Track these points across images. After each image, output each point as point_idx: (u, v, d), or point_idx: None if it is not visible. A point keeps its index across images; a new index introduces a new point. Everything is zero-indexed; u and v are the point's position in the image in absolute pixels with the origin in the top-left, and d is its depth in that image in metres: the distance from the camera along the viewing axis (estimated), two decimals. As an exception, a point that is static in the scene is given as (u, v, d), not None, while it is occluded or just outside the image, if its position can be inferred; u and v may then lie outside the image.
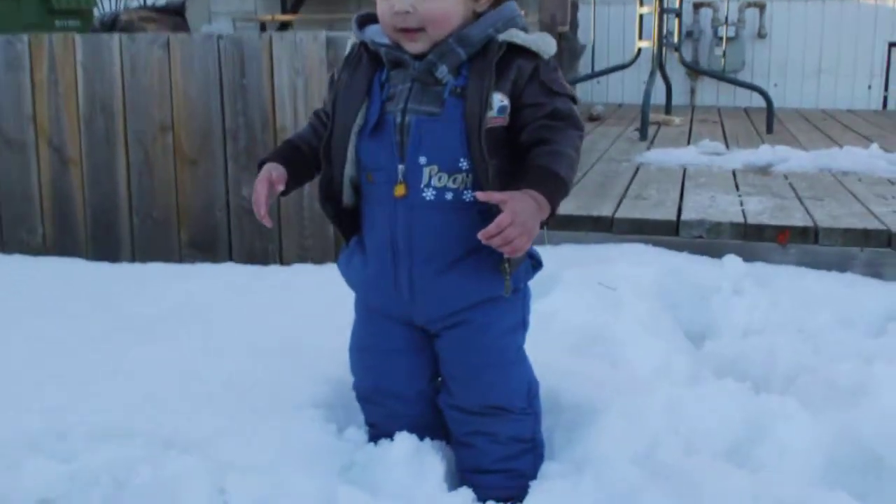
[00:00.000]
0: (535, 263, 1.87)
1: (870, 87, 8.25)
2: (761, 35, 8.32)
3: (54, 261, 3.51)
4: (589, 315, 2.66)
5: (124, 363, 2.23)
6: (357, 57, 1.82)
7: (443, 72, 1.71)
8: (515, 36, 1.72)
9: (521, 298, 1.86)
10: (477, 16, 1.75)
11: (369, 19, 1.84)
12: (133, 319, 2.59)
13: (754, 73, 8.33)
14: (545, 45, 1.75)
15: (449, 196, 1.73)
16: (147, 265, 3.38)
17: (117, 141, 3.65)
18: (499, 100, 1.70)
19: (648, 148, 5.33)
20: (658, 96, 6.38)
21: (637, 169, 4.55)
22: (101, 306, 2.75)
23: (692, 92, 8.47)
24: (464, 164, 1.71)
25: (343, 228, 1.89)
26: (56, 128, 3.71)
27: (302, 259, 3.44)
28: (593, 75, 6.55)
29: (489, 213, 1.63)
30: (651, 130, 5.92)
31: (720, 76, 6.83)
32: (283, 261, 3.49)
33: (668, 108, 6.96)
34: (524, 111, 1.71)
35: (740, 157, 4.78)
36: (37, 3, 6.48)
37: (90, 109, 3.66)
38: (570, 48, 7.57)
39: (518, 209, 1.58)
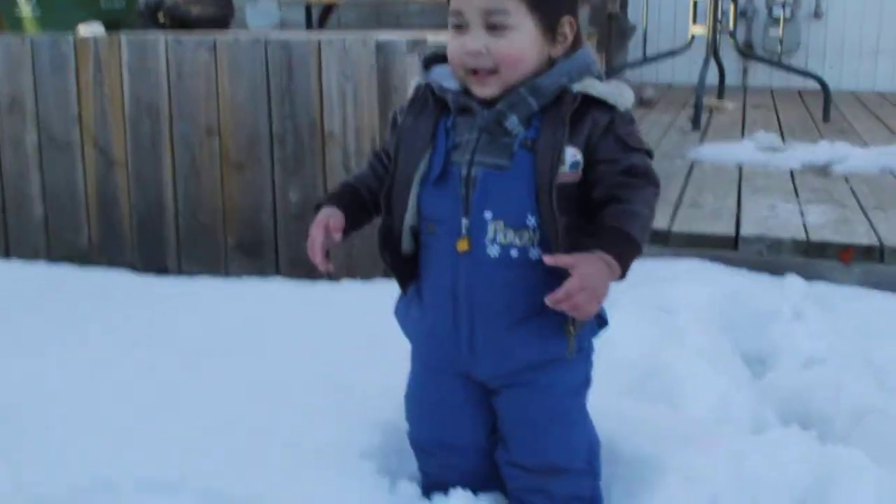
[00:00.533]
0: (601, 321, 1.80)
1: (929, 68, 8.00)
2: (817, 15, 8.09)
3: (101, 272, 3.47)
4: (646, 345, 2.58)
5: (172, 400, 2.19)
6: (422, 100, 1.74)
7: (513, 122, 1.64)
8: (591, 87, 1.64)
9: (584, 357, 1.80)
10: (551, 61, 1.67)
11: (436, 59, 1.76)
12: (181, 345, 2.54)
13: (809, 54, 8.11)
14: (622, 97, 1.66)
15: (514, 253, 1.66)
16: (195, 279, 3.34)
17: (163, 144, 3.61)
18: (572, 154, 1.62)
19: (702, 140, 5.21)
20: (710, 78, 6.21)
21: (691, 167, 4.44)
22: (149, 329, 2.71)
23: (744, 72, 8.27)
24: (531, 220, 1.63)
25: (401, 277, 1.82)
26: (102, 129, 3.68)
27: (349, 267, 3.37)
28: (646, 60, 6.39)
29: (556, 271, 1.56)
30: (703, 117, 5.79)
31: (775, 63, 6.64)
32: (329, 269, 3.44)
33: (720, 93, 6.79)
34: (599, 167, 1.63)
35: (798, 155, 4.64)
36: (81, -18, 6.45)
37: (136, 111, 3.62)
38: (619, 28, 7.42)
39: (587, 273, 1.51)
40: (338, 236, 1.75)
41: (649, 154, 1.70)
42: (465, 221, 1.66)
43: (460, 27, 1.62)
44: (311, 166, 3.44)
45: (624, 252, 1.57)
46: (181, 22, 6.33)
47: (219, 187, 3.56)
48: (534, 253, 1.65)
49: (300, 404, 2.15)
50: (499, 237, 1.65)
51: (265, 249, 3.55)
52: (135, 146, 3.64)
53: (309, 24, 6.90)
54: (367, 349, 2.45)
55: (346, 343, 2.55)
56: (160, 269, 3.63)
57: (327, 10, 7.14)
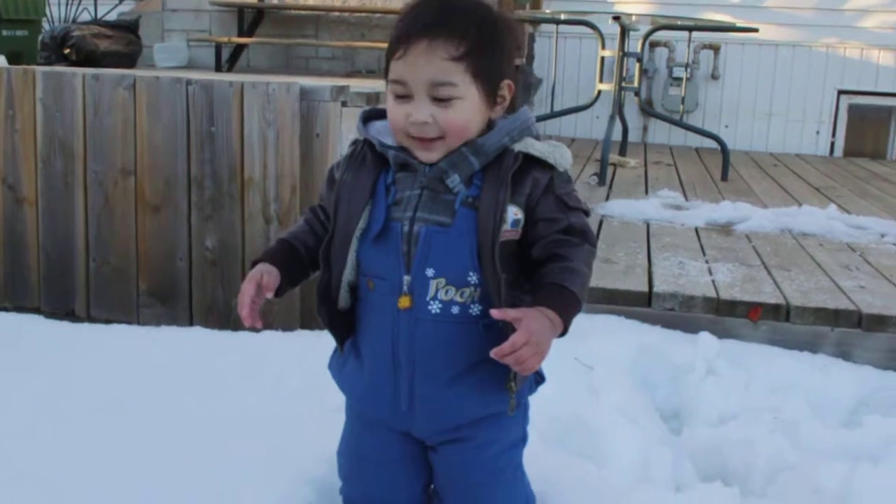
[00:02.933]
0: (539, 378, 1.81)
1: (818, 132, 8.39)
2: (714, 77, 8.41)
3: (8, 318, 3.33)
4: (567, 399, 2.61)
5: (91, 456, 2.11)
6: (361, 155, 1.73)
7: (454, 181, 1.64)
8: (531, 146, 1.66)
9: (522, 413, 1.81)
10: (490, 122, 1.69)
11: (375, 115, 1.76)
12: (98, 398, 2.46)
13: (706, 113, 8.42)
14: (561, 157, 1.68)
15: (455, 310, 1.66)
16: (111, 328, 3.23)
17: (76, 183, 3.52)
18: (513, 213, 1.63)
19: (608, 196, 5.33)
20: (613, 134, 6.38)
21: (601, 223, 4.54)
22: (64, 380, 2.61)
23: (644, 129, 8.53)
24: (473, 277, 1.64)
25: (337, 333, 1.80)
26: (11, 165, 3.57)
27: (265, 315, 3.32)
28: (553, 115, 6.53)
29: (495, 326, 1.57)
30: (607, 173, 5.92)
31: (679, 123, 6.86)
32: (245, 315, 3.38)
33: (623, 150, 6.98)
34: (538, 225, 1.65)
35: (701, 213, 4.80)
36: (-15, 12, 6.28)
37: (48, 149, 3.53)
38: (525, 82, 7.58)
39: (533, 329, 1.52)
40: (269, 294, 1.72)
41: (586, 213, 1.73)
42: (406, 278, 1.65)
43: (404, 96, 1.62)
44: (230, 212, 3.40)
45: (566, 308, 1.59)
46: (87, 56, 6.21)
47: (133, 230, 3.49)
48: (475, 309, 1.66)
49: (227, 460, 2.10)
50: (440, 294, 1.65)
51: (179, 296, 3.47)
52: (46, 185, 3.54)
53: (218, 65, 6.85)
54: (292, 402, 2.42)
55: (270, 396, 2.51)
56: (68, 313, 3.52)
57: (237, 52, 7.10)
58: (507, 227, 1.62)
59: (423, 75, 1.58)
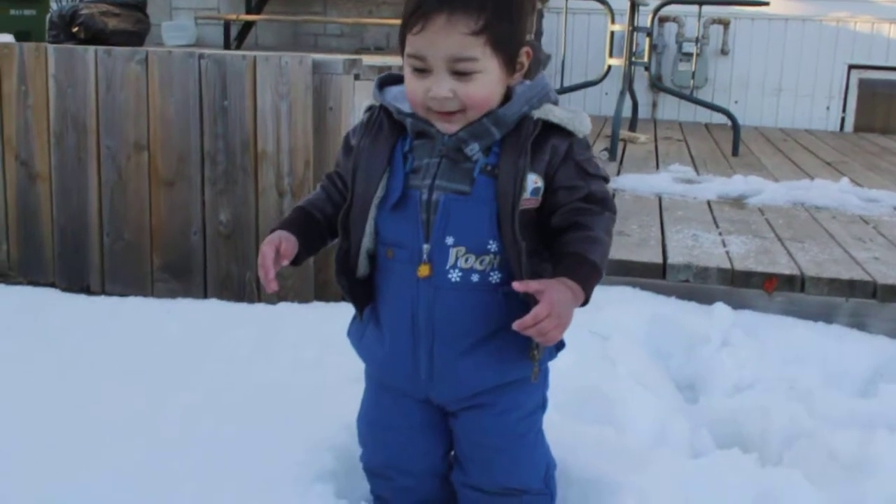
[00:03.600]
0: (559, 345, 1.81)
1: (828, 107, 8.35)
2: (724, 52, 8.37)
3: (25, 291, 3.35)
4: (583, 370, 2.62)
5: (117, 423, 2.13)
6: (377, 122, 1.72)
7: (473, 149, 1.62)
8: (550, 113, 1.64)
9: (542, 379, 1.81)
10: (508, 90, 1.68)
11: (390, 80, 1.75)
12: (122, 366, 2.47)
13: (716, 89, 8.38)
14: (580, 123, 1.66)
15: (475, 278, 1.65)
16: (126, 300, 3.24)
17: (89, 158, 3.52)
18: (533, 181, 1.61)
19: (619, 171, 5.31)
20: (623, 110, 6.37)
21: (613, 196, 4.51)
22: (88, 349, 2.62)
23: (654, 105, 8.50)
24: (493, 245, 1.63)
25: (356, 301, 1.79)
26: (24, 142, 3.57)
27: (283, 289, 3.34)
28: (563, 91, 6.50)
29: (515, 294, 1.57)
30: (618, 148, 5.91)
31: (690, 98, 6.84)
32: (259, 290, 3.39)
33: (633, 125, 6.96)
34: (558, 193, 1.64)
35: (713, 187, 4.79)
36: (-9, -10, 6.29)
37: (61, 124, 3.53)
38: (535, 58, 7.54)
39: (555, 300, 1.51)
40: (286, 262, 1.72)
41: (606, 180, 1.72)
42: (426, 247, 1.64)
43: (423, 70, 1.59)
44: (243, 186, 3.40)
45: (588, 278, 1.59)
46: (95, 35, 6.20)
47: (146, 205, 3.49)
48: (494, 277, 1.65)
49: (248, 428, 2.11)
50: (460, 262, 1.64)
51: (193, 270, 3.48)
52: (59, 160, 3.54)
53: (227, 43, 6.83)
54: (310, 371, 2.43)
55: (288, 365, 2.52)
56: (82, 288, 3.53)
57: (245, 29, 7.09)
58: (526, 195, 1.60)
59: (442, 51, 1.55)
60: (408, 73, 1.62)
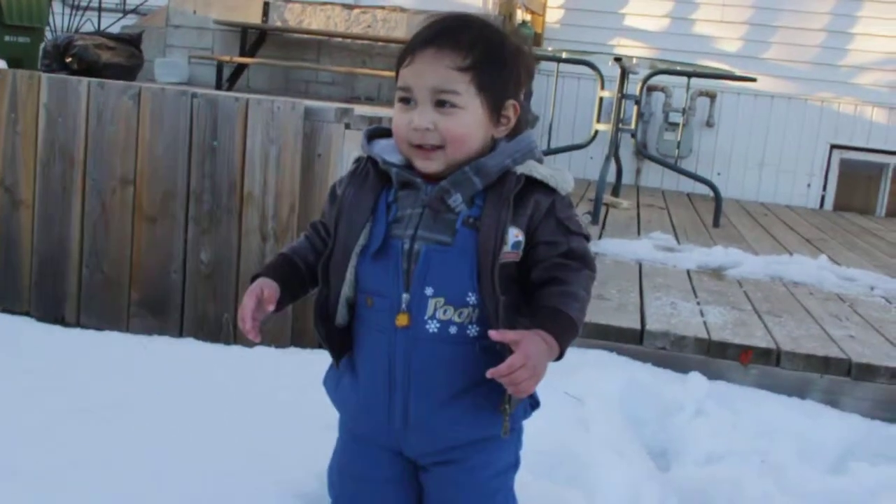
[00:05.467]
0: (534, 403, 1.81)
1: (809, 185, 8.45)
2: (709, 124, 8.48)
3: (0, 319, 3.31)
4: (556, 431, 2.61)
5: (83, 461, 2.09)
6: (364, 173, 1.73)
7: (456, 200, 1.63)
8: (534, 169, 1.66)
9: (515, 438, 1.80)
10: (493, 142, 1.70)
11: (379, 133, 1.77)
12: (92, 403, 2.44)
13: (699, 160, 8.47)
14: (563, 180, 1.68)
15: (453, 330, 1.65)
16: (104, 334, 3.21)
17: (74, 189, 3.51)
18: (514, 235, 1.62)
19: (601, 235, 5.35)
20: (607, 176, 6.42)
21: (593, 255, 4.54)
22: (58, 384, 2.59)
23: (638, 172, 8.59)
24: (472, 298, 1.63)
25: (333, 349, 1.78)
26: (10, 168, 3.56)
27: (261, 332, 3.32)
28: (549, 152, 6.55)
29: (493, 348, 1.57)
30: (600, 212, 5.95)
31: (676, 168, 6.91)
32: (236, 331, 3.37)
33: (616, 191, 7.02)
34: (539, 248, 1.65)
35: (693, 257, 4.82)
36: (-12, 16, 6.29)
37: (48, 153, 3.53)
38: (522, 116, 7.61)
39: (530, 351, 1.51)
40: (270, 307, 1.71)
41: (587, 238, 1.73)
42: (405, 296, 1.64)
43: (407, 102, 1.63)
44: (227, 226, 3.40)
45: (564, 332, 1.59)
46: (89, 67, 6.20)
47: (128, 239, 3.48)
48: (472, 330, 1.65)
49: (219, 473, 2.08)
50: (438, 313, 1.64)
51: (170, 308, 3.46)
52: (44, 189, 3.53)
53: (218, 83, 6.86)
54: (283, 417, 2.41)
55: (261, 410, 2.49)
56: (57, 319, 3.50)
57: (238, 71, 7.12)
58: (507, 248, 1.61)
59: (427, 81, 1.59)
60: (395, 108, 1.66)
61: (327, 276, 1.70)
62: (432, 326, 1.64)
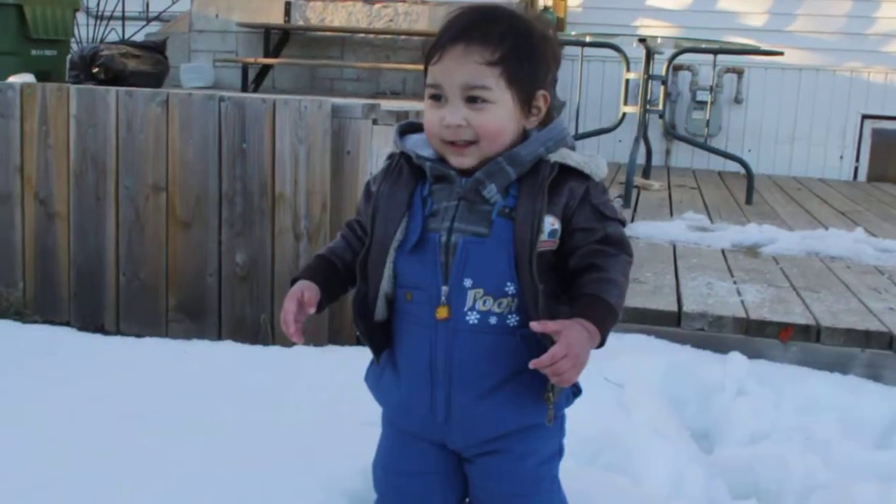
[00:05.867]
0: (576, 390, 1.81)
1: (841, 157, 8.36)
2: (738, 101, 8.41)
3: (41, 329, 3.36)
4: (598, 417, 2.60)
5: (131, 464, 2.12)
6: (397, 168, 1.73)
7: (491, 191, 1.64)
8: (567, 157, 1.66)
9: (559, 426, 1.80)
10: (525, 133, 1.70)
11: (410, 129, 1.77)
12: (135, 408, 2.47)
13: (729, 137, 8.40)
14: (596, 167, 1.68)
15: (493, 320, 1.65)
16: (143, 341, 3.25)
17: (108, 198, 3.55)
18: (550, 223, 1.62)
19: (633, 218, 5.32)
20: (637, 158, 6.39)
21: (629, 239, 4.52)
22: (101, 392, 2.62)
23: (667, 153, 8.53)
24: (511, 288, 1.63)
25: (374, 345, 1.79)
26: (44, 181, 3.61)
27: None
28: (578, 137, 6.53)
29: (533, 337, 1.57)
30: (632, 195, 5.92)
31: (705, 147, 6.87)
32: (274, 332, 3.40)
33: (647, 173, 6.98)
34: (575, 235, 1.65)
35: (727, 236, 4.79)
36: (14, 30, 6.35)
37: (81, 164, 3.57)
38: (551, 105, 7.58)
39: (572, 341, 1.52)
40: (311, 310, 1.73)
41: (622, 223, 1.73)
42: (444, 289, 1.65)
43: (438, 98, 1.63)
44: (260, 228, 3.42)
45: (604, 319, 1.59)
46: (116, 76, 6.26)
47: (163, 245, 3.51)
48: (512, 320, 1.65)
49: (264, 471, 2.10)
50: (478, 305, 1.65)
51: (208, 312, 3.49)
52: (78, 200, 3.57)
53: (244, 86, 6.89)
54: (325, 415, 2.42)
55: (303, 408, 2.51)
56: (97, 328, 3.55)
57: (263, 72, 7.16)
58: (544, 237, 1.61)
59: (457, 78, 1.59)
60: (426, 105, 1.66)
61: (365, 273, 1.71)
62: (472, 318, 1.65)
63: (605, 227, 1.66)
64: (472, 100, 1.60)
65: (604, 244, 1.65)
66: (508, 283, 1.63)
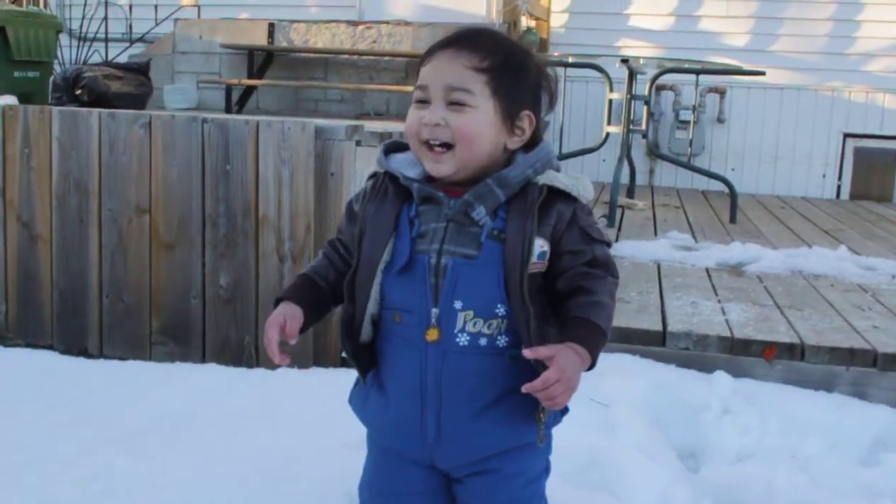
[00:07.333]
0: (563, 409, 1.80)
1: (824, 175, 8.41)
2: (720, 120, 8.45)
3: (24, 353, 3.33)
4: (584, 437, 2.60)
5: (115, 491, 2.10)
6: (382, 189, 1.74)
7: (480, 213, 1.64)
8: (555, 179, 1.66)
9: (546, 444, 1.80)
10: (508, 152, 1.70)
11: (395, 148, 1.77)
12: (120, 432, 2.45)
13: (712, 156, 8.44)
14: (584, 188, 1.69)
15: (483, 342, 1.65)
16: (126, 364, 3.23)
17: (90, 220, 3.53)
18: (539, 245, 1.63)
19: (617, 237, 5.33)
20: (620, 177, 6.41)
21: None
22: (85, 415, 2.60)
23: (651, 172, 8.56)
24: (501, 309, 1.63)
25: (360, 365, 1.79)
26: (26, 203, 3.59)
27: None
28: (562, 157, 6.55)
29: (522, 357, 1.57)
30: (616, 214, 5.94)
31: (688, 166, 6.91)
32: (258, 354, 3.38)
33: (630, 192, 7.00)
34: (563, 258, 1.65)
35: (712, 254, 4.80)
36: (-4, 52, 6.35)
37: (64, 186, 3.55)
38: (537, 127, 7.60)
39: (564, 365, 1.52)
40: (292, 341, 1.72)
41: (608, 245, 1.74)
42: (434, 311, 1.64)
43: (423, 101, 1.64)
44: (244, 250, 3.41)
45: (595, 343, 1.60)
46: (99, 97, 6.25)
47: (146, 268, 3.49)
48: (501, 341, 1.65)
49: (245, 494, 2.08)
50: (468, 326, 1.65)
51: (192, 334, 3.47)
52: (60, 222, 3.55)
53: (228, 107, 6.89)
54: (310, 437, 2.40)
55: (288, 430, 2.50)
56: (81, 351, 3.52)
57: (247, 93, 7.16)
58: (534, 259, 1.62)
59: (442, 79, 1.61)
60: (411, 108, 1.67)
61: (353, 294, 1.71)
62: (462, 340, 1.65)
63: (592, 249, 1.67)
64: (453, 102, 1.61)
65: (591, 266, 1.66)
66: (499, 305, 1.63)
